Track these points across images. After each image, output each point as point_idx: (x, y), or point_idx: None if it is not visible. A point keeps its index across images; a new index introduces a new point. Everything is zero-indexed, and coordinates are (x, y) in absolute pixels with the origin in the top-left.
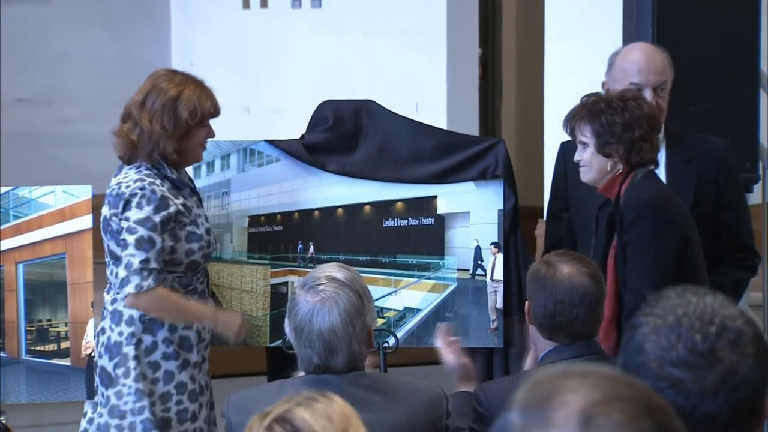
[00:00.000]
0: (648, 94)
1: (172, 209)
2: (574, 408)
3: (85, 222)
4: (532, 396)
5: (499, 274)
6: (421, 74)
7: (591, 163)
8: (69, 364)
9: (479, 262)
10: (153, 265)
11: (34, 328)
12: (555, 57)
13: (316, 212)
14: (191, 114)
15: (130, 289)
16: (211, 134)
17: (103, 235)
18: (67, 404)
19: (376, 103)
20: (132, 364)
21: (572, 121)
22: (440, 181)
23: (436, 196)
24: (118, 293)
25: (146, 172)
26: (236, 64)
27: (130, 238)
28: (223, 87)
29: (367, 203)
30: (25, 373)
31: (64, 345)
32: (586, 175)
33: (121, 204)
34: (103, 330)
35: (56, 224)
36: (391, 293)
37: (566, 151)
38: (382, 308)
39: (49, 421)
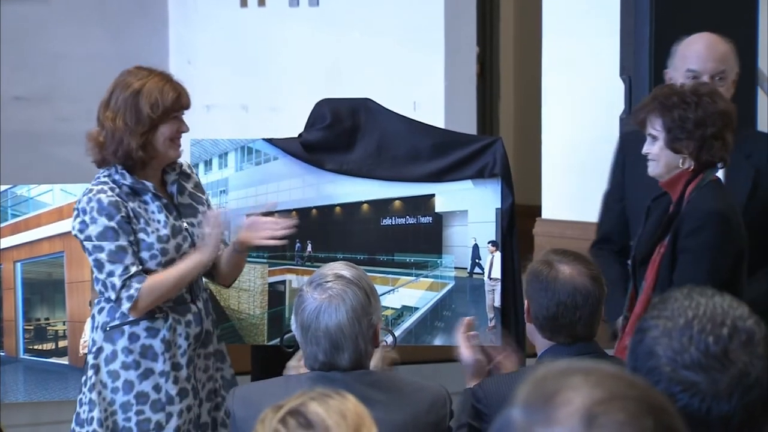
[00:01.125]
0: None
1: (122, 214)
2: (577, 406)
3: None
4: (535, 393)
5: (496, 272)
6: (419, 72)
7: (659, 158)
8: (67, 362)
9: (477, 260)
10: (132, 269)
11: (32, 327)
12: (552, 55)
13: (314, 211)
14: (152, 107)
15: (126, 306)
16: (183, 129)
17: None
18: (65, 403)
19: (373, 101)
20: (90, 372)
21: (643, 112)
22: (438, 180)
23: (433, 195)
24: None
25: (103, 179)
26: (234, 62)
27: (102, 256)
28: (220, 85)
29: (365, 202)
30: (23, 372)
31: (62, 344)
32: (654, 169)
33: (78, 220)
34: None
35: (54, 223)
36: (389, 292)
37: (625, 140)
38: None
39: (47, 420)
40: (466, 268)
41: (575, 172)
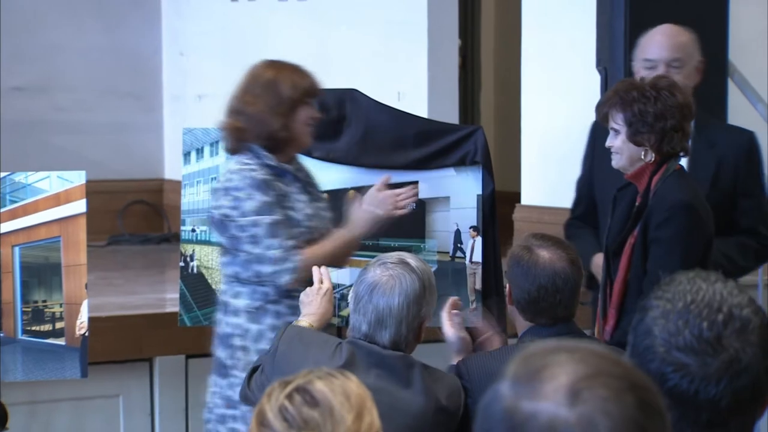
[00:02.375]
0: (661, 70)
1: (270, 197)
2: (563, 382)
3: (80, 206)
4: (523, 369)
5: (477, 256)
6: (403, 64)
7: (622, 151)
8: (63, 343)
9: (459, 245)
10: (289, 242)
11: (29, 309)
12: (531, 48)
13: None
14: (292, 89)
15: (285, 278)
16: (316, 116)
17: (213, 228)
18: (62, 382)
19: (359, 91)
20: (240, 354)
21: (604, 107)
22: (421, 167)
23: (417, 182)
24: (225, 283)
25: (246, 160)
26: (225, 54)
27: (259, 230)
28: (211, 75)
29: (351, 188)
30: (21, 353)
31: (59, 325)
32: (618, 162)
33: (229, 198)
34: (218, 321)
35: (51, 209)
36: None
37: (596, 130)
38: None
39: (44, 398)
40: (448, 252)
41: (553, 159)
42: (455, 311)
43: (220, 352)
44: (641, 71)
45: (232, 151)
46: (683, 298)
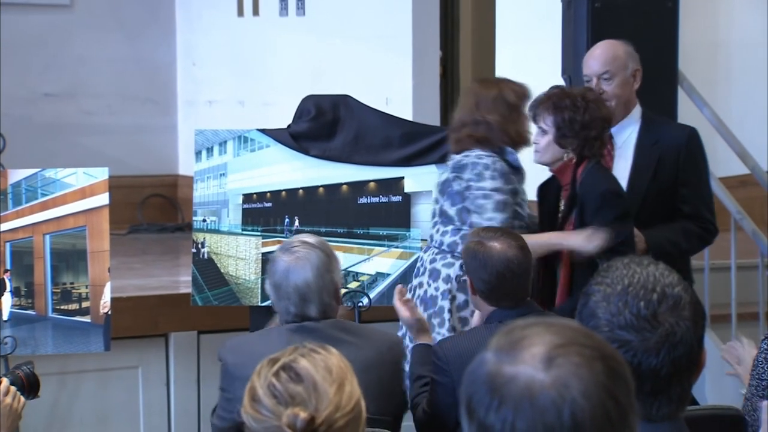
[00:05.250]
0: (593, 83)
1: (511, 186)
2: (540, 349)
3: (103, 199)
4: (505, 339)
5: None
6: (391, 73)
7: (546, 150)
8: (89, 320)
9: None
10: (511, 222)
11: (59, 290)
12: (504, 58)
13: (301, 191)
14: (516, 97)
15: None
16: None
17: (440, 196)
18: (88, 355)
19: (352, 97)
20: (446, 316)
21: (538, 108)
22: (407, 164)
23: (403, 177)
24: (437, 253)
25: (492, 155)
26: (232, 63)
27: (488, 203)
28: (220, 84)
29: (344, 183)
30: (51, 329)
31: (84, 304)
32: (539, 158)
33: (475, 172)
34: (420, 284)
35: (78, 201)
36: (365, 260)
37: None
38: (357, 273)
39: (72, 369)
40: None
41: (524, 160)
42: (407, 297)
43: (421, 312)
44: (585, 85)
45: (455, 151)
46: (621, 281)
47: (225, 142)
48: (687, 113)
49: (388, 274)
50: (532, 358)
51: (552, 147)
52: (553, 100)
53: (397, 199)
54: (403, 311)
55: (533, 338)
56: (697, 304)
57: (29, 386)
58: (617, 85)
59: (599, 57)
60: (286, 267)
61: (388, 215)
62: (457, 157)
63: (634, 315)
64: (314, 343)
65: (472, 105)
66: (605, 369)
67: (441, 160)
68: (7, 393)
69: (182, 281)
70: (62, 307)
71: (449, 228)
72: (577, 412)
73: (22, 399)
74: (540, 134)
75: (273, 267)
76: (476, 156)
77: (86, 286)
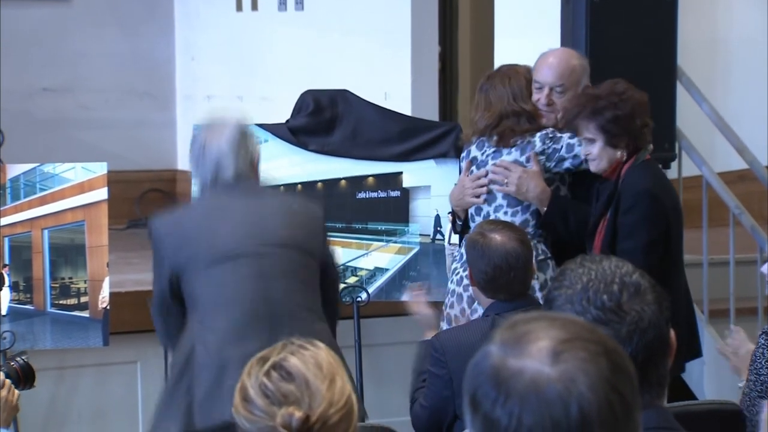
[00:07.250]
0: (544, 92)
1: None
2: (546, 343)
3: (102, 194)
4: (509, 333)
5: (455, 239)
6: (389, 67)
7: (601, 157)
8: (87, 315)
9: (438, 228)
10: None
11: (57, 285)
12: (503, 54)
13: (299, 186)
14: (530, 73)
15: None
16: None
17: (554, 164)
18: (86, 350)
19: (350, 92)
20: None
21: (575, 121)
22: (405, 159)
23: (401, 172)
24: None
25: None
26: (231, 59)
27: (575, 141)
28: (219, 78)
29: (343, 178)
30: (50, 324)
31: (83, 299)
32: (597, 167)
33: (548, 136)
34: (455, 270)
35: (76, 196)
36: (363, 255)
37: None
38: (355, 268)
39: (71, 364)
40: (429, 235)
41: None
42: (417, 292)
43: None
44: (533, 92)
45: (466, 136)
46: (579, 280)
47: None
48: (686, 108)
49: (387, 269)
50: (539, 352)
51: (606, 151)
52: (587, 106)
53: (395, 194)
54: (415, 308)
55: (538, 332)
56: (656, 287)
57: (24, 377)
58: (568, 99)
59: (555, 68)
60: (203, 141)
61: (386, 210)
62: (533, 139)
63: (600, 309)
64: (301, 339)
65: (507, 96)
66: (609, 364)
67: (440, 155)
68: (2, 386)
69: None
70: (61, 302)
71: (519, 208)
72: (584, 405)
73: (17, 392)
74: (588, 144)
75: (192, 144)
76: (555, 132)
77: (85, 281)
